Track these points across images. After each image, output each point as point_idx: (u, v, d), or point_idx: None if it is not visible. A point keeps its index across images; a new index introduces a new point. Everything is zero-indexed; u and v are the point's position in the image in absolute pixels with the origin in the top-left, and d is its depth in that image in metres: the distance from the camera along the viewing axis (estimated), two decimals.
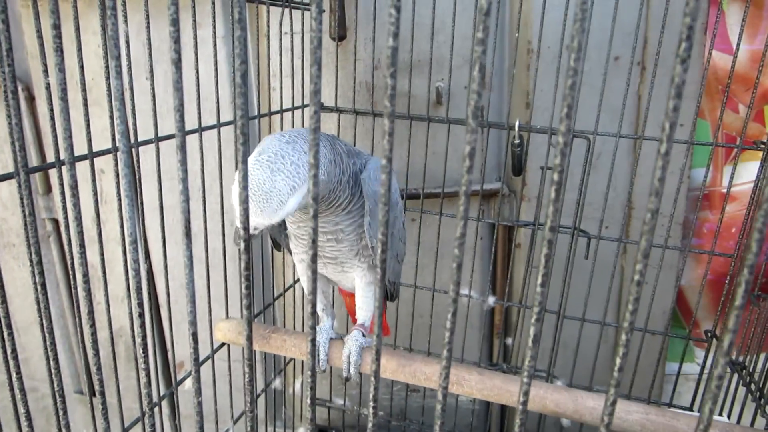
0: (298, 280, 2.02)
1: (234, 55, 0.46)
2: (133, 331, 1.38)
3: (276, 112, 1.77)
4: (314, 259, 0.49)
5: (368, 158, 1.28)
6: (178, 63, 0.49)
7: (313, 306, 0.51)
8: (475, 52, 0.40)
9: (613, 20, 1.59)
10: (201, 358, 1.63)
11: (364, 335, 1.39)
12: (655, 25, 1.93)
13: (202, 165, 1.42)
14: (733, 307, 0.39)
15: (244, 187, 0.49)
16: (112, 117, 1.22)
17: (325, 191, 1.17)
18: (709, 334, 1.78)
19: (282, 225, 1.40)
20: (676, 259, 2.11)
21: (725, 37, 2.00)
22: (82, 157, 1.01)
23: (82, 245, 0.61)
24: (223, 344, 1.65)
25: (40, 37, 0.90)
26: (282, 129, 1.79)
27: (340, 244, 1.31)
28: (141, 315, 0.58)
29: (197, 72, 1.38)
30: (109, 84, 1.18)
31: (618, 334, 2.08)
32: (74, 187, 0.58)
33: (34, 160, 2.55)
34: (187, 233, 0.53)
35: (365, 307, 1.44)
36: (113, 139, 1.20)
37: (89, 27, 2.21)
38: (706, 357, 1.81)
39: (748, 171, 2.06)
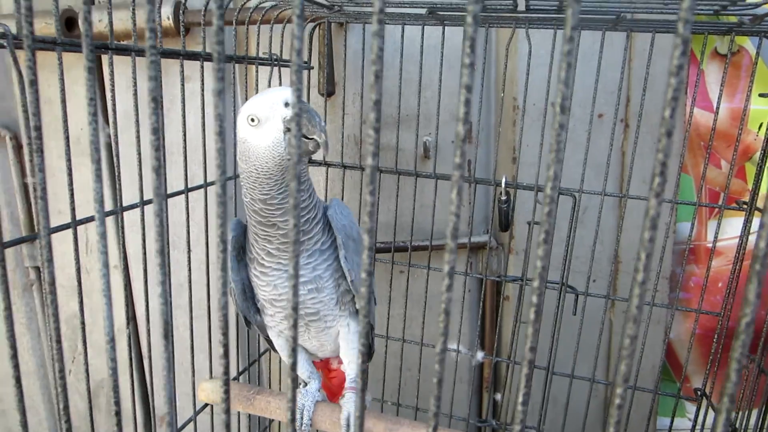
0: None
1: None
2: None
3: None
4: (293, 356, 0.49)
5: (329, 202, 1.35)
6: (158, 170, 0.48)
7: (293, 413, 0.50)
8: (451, 210, 0.40)
9: (596, 80, 1.63)
10: (183, 420, 1.59)
11: None
12: (637, 85, 1.98)
13: (188, 225, 1.41)
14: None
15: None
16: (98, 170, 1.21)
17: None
18: (699, 393, 1.76)
19: (252, 298, 1.38)
20: (664, 313, 2.11)
21: (705, 95, 2.05)
22: (65, 227, 1.00)
23: (57, 329, 0.59)
24: (206, 405, 1.61)
25: (25, 111, 0.90)
26: None
27: (321, 293, 1.31)
28: (117, 413, 0.57)
29: (184, 133, 1.39)
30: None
31: None
32: (51, 276, 0.57)
33: (19, 208, 2.53)
34: (166, 335, 0.52)
35: (355, 361, 1.41)
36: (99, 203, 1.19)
37: (80, 77, 2.22)
38: (697, 414, 1.78)
39: (732, 226, 2.08)
